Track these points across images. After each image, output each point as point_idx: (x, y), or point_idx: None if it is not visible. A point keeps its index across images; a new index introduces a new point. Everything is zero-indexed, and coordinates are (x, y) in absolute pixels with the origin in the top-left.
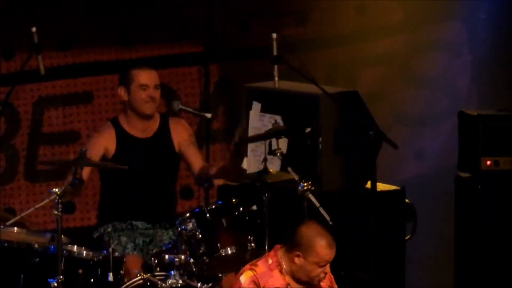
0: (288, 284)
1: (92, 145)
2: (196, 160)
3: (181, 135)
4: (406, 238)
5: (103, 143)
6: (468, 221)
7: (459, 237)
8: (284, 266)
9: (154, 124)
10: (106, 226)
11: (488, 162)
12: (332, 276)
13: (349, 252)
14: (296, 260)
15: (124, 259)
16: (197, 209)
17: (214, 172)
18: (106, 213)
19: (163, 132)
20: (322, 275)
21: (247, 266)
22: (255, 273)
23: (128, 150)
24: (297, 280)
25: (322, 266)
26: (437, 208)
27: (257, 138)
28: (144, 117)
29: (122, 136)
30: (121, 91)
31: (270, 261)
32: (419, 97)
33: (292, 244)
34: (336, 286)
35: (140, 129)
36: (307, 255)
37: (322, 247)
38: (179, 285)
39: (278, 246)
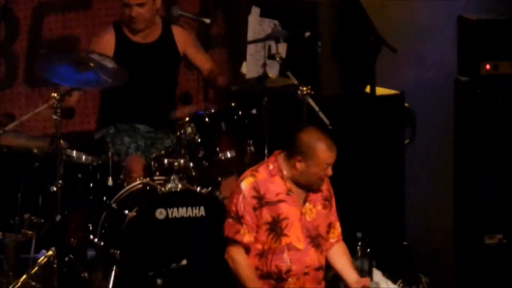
0: (289, 190)
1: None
2: (205, 65)
3: (185, 40)
4: (406, 142)
5: (101, 48)
6: (467, 126)
7: (458, 141)
8: (285, 172)
9: (156, 30)
10: (108, 128)
11: (488, 66)
12: (328, 182)
13: (348, 156)
14: (298, 165)
15: (125, 160)
16: (198, 113)
17: (221, 83)
18: (107, 115)
19: (166, 37)
20: (325, 176)
21: (248, 172)
22: (256, 179)
23: (127, 54)
24: (298, 185)
25: (323, 170)
26: (436, 113)
27: (256, 41)
28: (137, 32)
29: (121, 40)
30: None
31: (271, 167)
32: (419, 3)
33: (293, 150)
34: (332, 189)
35: (141, 35)
36: (308, 160)
37: (323, 150)
38: (178, 189)
39: (277, 151)
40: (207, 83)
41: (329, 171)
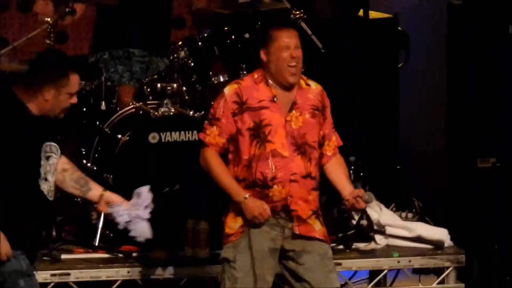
0: (274, 96)
1: None
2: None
3: None
4: (399, 65)
5: None
6: (460, 49)
7: (452, 64)
8: (269, 80)
9: None
10: (102, 53)
11: None
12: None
13: (341, 81)
14: (263, 57)
15: (117, 89)
16: (189, 37)
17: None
18: (101, 39)
19: None
20: (290, 59)
21: (233, 80)
22: (239, 85)
23: None
24: (276, 82)
25: (285, 50)
26: (430, 36)
27: None
28: None
29: None
30: None
31: (255, 76)
32: None
33: (259, 47)
34: (327, 101)
35: None
36: (269, 46)
37: (279, 32)
38: (171, 113)
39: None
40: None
41: (294, 53)
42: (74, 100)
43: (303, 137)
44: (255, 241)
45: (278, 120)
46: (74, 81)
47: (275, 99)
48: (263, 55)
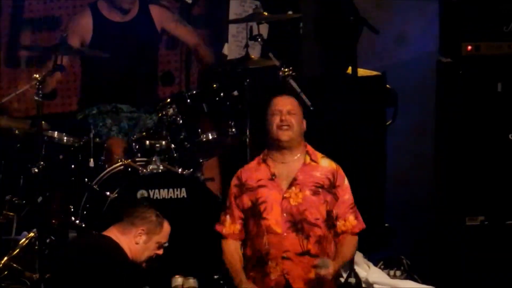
0: (273, 174)
1: (70, 33)
2: (187, 36)
3: (162, 16)
4: (387, 123)
5: (79, 31)
6: (449, 107)
7: (440, 122)
8: (271, 154)
9: (134, 9)
10: (91, 109)
11: (469, 47)
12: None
13: (329, 138)
14: (267, 129)
15: (107, 142)
16: (178, 95)
17: (203, 54)
18: (89, 96)
19: (143, 15)
20: (280, 122)
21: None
22: (242, 168)
23: (106, 35)
24: (274, 147)
25: (276, 115)
26: (418, 93)
27: (237, 21)
28: (122, 11)
29: (99, 21)
30: None
31: (261, 155)
32: None
33: None
34: (343, 182)
35: (119, 15)
36: (267, 115)
37: (273, 99)
38: (160, 170)
39: None
40: (192, 56)
41: (284, 116)
42: (160, 251)
43: (302, 214)
44: None
45: (275, 197)
46: (166, 232)
47: (273, 177)
48: (267, 129)
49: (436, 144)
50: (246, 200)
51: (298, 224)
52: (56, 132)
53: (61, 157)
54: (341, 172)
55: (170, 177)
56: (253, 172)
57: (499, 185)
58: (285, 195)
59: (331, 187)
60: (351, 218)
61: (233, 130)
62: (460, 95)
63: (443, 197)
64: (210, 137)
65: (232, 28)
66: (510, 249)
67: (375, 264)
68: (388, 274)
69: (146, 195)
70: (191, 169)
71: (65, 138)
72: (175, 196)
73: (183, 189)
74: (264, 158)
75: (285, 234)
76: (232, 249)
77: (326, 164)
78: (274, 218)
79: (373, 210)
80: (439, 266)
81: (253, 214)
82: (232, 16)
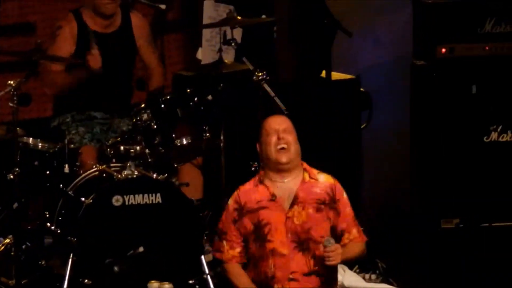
0: (273, 195)
1: (60, 44)
2: (150, 60)
3: (141, 32)
4: (362, 126)
5: (65, 39)
6: (423, 109)
7: (414, 125)
8: (268, 175)
9: (117, 20)
10: (64, 116)
11: (443, 50)
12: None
13: (304, 142)
14: (258, 149)
15: (80, 150)
16: (152, 100)
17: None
18: (63, 103)
19: (125, 28)
20: (277, 141)
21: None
22: (238, 191)
23: (87, 44)
24: (270, 168)
25: (272, 135)
26: (393, 96)
27: (211, 26)
28: (105, 17)
29: (82, 30)
30: None
31: (257, 178)
32: None
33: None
34: (342, 196)
35: (102, 25)
36: (261, 136)
37: (267, 119)
38: (134, 176)
39: None
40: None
41: (281, 135)
42: None
43: (307, 233)
44: None
45: (278, 217)
46: None
47: (274, 197)
48: (258, 147)
49: (411, 147)
50: (248, 223)
51: (303, 243)
52: (31, 138)
53: (36, 163)
54: (339, 185)
55: (145, 182)
56: (251, 194)
57: (474, 187)
58: (288, 215)
59: (332, 202)
60: (354, 231)
61: (208, 134)
62: (434, 97)
63: (418, 200)
64: (185, 141)
65: (206, 33)
66: (485, 251)
67: (351, 268)
68: (364, 278)
69: (121, 200)
70: (166, 174)
71: (40, 144)
72: (150, 202)
73: (158, 195)
74: (261, 179)
75: (291, 255)
76: (238, 271)
77: (323, 180)
78: (279, 240)
79: None
80: (415, 269)
81: (257, 237)
82: (206, 20)
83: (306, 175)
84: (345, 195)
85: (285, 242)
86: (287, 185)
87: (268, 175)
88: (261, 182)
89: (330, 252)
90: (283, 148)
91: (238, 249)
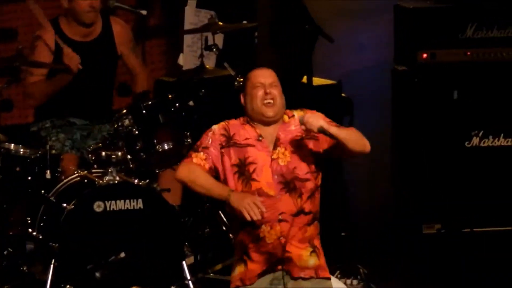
0: (260, 135)
1: (38, 55)
2: (134, 66)
3: (123, 39)
4: None
5: (43, 48)
6: (404, 115)
7: (396, 130)
8: (252, 122)
9: (97, 28)
10: (44, 122)
11: (425, 55)
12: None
13: None
14: (242, 100)
15: (61, 157)
16: (133, 105)
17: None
18: (44, 109)
19: (106, 36)
20: (264, 95)
21: (221, 122)
22: (227, 122)
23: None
24: (255, 120)
25: (259, 88)
26: (374, 102)
27: (192, 32)
28: (85, 26)
29: (61, 39)
30: None
31: (241, 119)
32: None
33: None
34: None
35: (82, 33)
36: (246, 88)
37: (252, 71)
38: (116, 181)
39: None
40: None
41: (268, 89)
42: None
43: (292, 173)
44: None
45: (264, 159)
46: None
47: (260, 138)
48: (242, 99)
49: (392, 152)
50: (234, 155)
51: (290, 184)
52: (12, 144)
53: (18, 169)
54: (308, 112)
55: (127, 188)
56: (239, 129)
57: (456, 193)
58: (273, 157)
59: (307, 131)
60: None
61: (189, 140)
62: (416, 103)
63: (400, 205)
64: (166, 147)
65: (187, 38)
66: (466, 256)
67: (332, 273)
68: (345, 283)
69: (102, 206)
70: (148, 180)
71: (21, 150)
72: (132, 207)
73: (140, 200)
74: (247, 121)
75: (278, 196)
76: (201, 170)
77: (297, 115)
78: (265, 181)
79: (330, 219)
80: (396, 274)
81: (241, 174)
82: (187, 26)
83: (286, 117)
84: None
85: (271, 184)
86: (269, 128)
87: (254, 123)
88: (247, 122)
89: (308, 118)
90: (269, 103)
91: (209, 165)
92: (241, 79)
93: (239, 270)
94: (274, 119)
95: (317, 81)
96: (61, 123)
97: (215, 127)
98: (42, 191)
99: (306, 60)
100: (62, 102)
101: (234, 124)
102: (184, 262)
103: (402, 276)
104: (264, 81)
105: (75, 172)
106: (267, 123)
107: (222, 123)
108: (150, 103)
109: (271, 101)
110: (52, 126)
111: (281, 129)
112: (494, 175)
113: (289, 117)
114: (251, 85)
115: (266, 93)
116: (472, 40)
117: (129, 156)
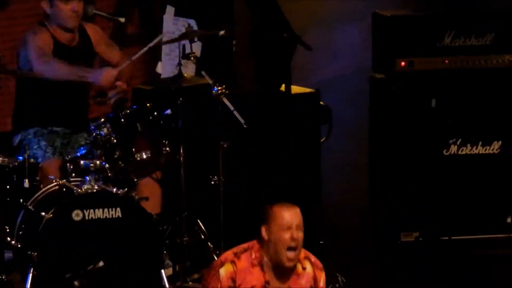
0: (267, 282)
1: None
2: (113, 58)
3: (99, 37)
4: (322, 140)
5: (44, 45)
6: (382, 122)
7: (374, 138)
8: (265, 259)
9: (76, 34)
10: (27, 132)
11: (403, 63)
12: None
13: (263, 155)
14: (264, 234)
15: (42, 164)
16: (111, 114)
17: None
18: (24, 119)
19: (85, 40)
20: (291, 241)
21: (230, 255)
22: (235, 268)
23: (61, 57)
24: (272, 261)
25: (285, 231)
26: (353, 110)
27: (170, 41)
28: (68, 30)
29: (56, 42)
30: (43, 3)
31: (253, 256)
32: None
33: (260, 223)
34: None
35: (67, 39)
36: (271, 224)
37: (280, 210)
38: (94, 190)
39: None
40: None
41: (294, 234)
42: None
43: None
44: None
45: None
46: None
47: (267, 285)
48: (264, 233)
49: (370, 160)
50: None
51: None
52: None
53: None
54: (320, 275)
55: (105, 196)
56: (247, 275)
57: (434, 201)
58: None
59: None
60: None
61: (167, 149)
62: (394, 110)
63: (378, 214)
64: (144, 156)
65: (165, 47)
66: (444, 265)
67: None
68: None
69: (81, 215)
70: (126, 189)
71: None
72: (110, 216)
73: (118, 209)
74: (259, 262)
75: None
76: None
77: (309, 269)
78: None
79: (309, 228)
80: (374, 283)
81: None
82: (165, 34)
83: (299, 266)
84: (322, 284)
85: None
86: (280, 273)
87: (266, 259)
88: (257, 264)
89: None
90: (293, 248)
91: None
92: (219, 88)
93: None
94: (291, 265)
95: (295, 89)
96: (43, 132)
97: (222, 272)
98: (21, 200)
99: (284, 68)
100: (43, 111)
101: (242, 269)
102: (162, 271)
103: (381, 285)
104: (292, 223)
105: (54, 181)
106: (281, 268)
107: (230, 270)
108: (128, 111)
109: (296, 246)
110: (34, 135)
111: (292, 282)
112: (472, 183)
113: (302, 269)
114: (278, 226)
115: (292, 239)
116: (450, 48)
117: (107, 165)
